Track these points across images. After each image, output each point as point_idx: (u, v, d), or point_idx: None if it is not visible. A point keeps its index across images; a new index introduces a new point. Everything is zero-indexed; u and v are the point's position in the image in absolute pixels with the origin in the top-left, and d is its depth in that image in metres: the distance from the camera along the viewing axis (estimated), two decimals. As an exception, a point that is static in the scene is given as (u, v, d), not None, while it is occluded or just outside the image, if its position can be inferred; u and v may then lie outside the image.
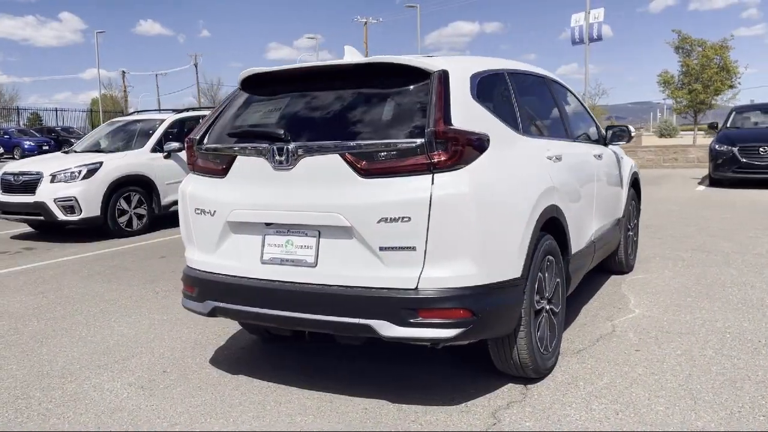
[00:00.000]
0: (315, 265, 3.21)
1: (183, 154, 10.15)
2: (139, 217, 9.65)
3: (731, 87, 27.74)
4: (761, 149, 12.78)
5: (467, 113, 3.19)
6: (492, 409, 3.31)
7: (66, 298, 5.94)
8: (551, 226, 3.70)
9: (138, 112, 11.93)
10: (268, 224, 3.35)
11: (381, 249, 3.04)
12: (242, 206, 3.40)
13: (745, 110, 15.46)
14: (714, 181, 13.82)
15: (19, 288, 6.42)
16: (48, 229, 10.00)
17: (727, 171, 13.14)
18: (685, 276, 5.99)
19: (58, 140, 37.49)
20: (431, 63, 3.26)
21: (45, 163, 9.59)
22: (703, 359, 3.90)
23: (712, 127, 15.70)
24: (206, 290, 3.57)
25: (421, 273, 3.00)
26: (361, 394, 3.54)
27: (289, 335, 3.76)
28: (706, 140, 22.40)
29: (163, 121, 10.43)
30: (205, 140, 3.71)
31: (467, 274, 3.02)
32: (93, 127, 52.30)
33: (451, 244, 2.99)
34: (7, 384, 3.90)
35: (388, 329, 3.03)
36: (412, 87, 3.24)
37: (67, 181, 9.01)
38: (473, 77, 3.46)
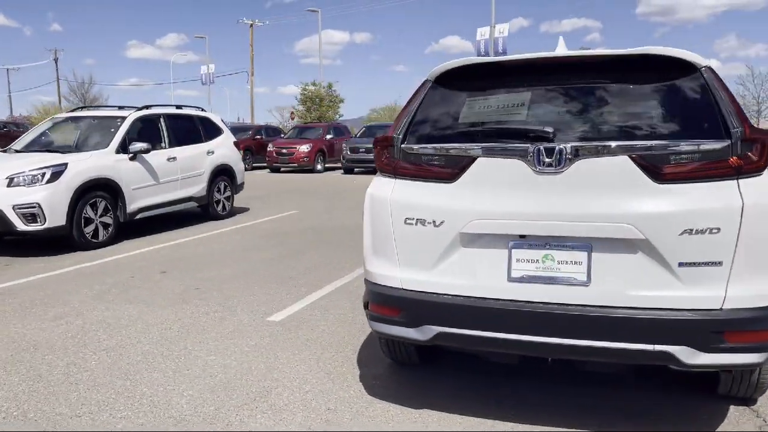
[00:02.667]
0: (587, 283, 2.81)
1: (149, 156, 9.22)
2: (105, 226, 8.52)
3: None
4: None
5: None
6: (753, 436, 3.07)
7: (99, 323, 5.02)
8: None
9: (82, 108, 10.58)
10: (522, 236, 2.90)
11: (680, 265, 2.71)
12: (486, 216, 2.92)
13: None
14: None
15: (17, 312, 5.37)
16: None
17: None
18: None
19: None
20: (696, 56, 2.97)
21: (-5, 164, 8.21)
22: None
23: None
24: (423, 314, 3.05)
25: (726, 291, 2.70)
26: (593, 427, 3.17)
27: (515, 362, 3.29)
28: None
29: (124, 118, 9.28)
30: (406, 141, 3.20)
31: None
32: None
33: (761, 257, 2.71)
34: (147, 436, 3.15)
35: (690, 356, 2.70)
36: (678, 81, 2.93)
37: (28, 185, 7.74)
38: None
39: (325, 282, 6.30)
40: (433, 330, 3.02)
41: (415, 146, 3.16)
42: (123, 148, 8.94)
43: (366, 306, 3.34)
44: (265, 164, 23.93)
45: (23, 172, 7.80)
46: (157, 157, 9.46)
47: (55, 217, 7.83)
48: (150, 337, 4.66)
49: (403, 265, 3.13)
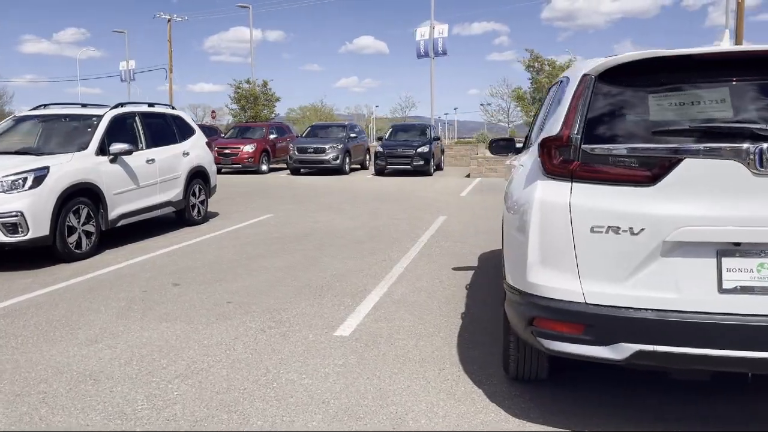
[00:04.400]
0: None
1: (129, 159, 8.55)
2: (88, 235, 7.77)
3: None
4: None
5: None
6: None
7: (147, 346, 4.48)
8: None
9: (45, 105, 9.59)
10: (736, 244, 2.70)
11: None
12: (698, 222, 2.71)
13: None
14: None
15: (40, 337, 4.72)
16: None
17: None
18: None
19: None
20: None
21: (-36, 168, 7.29)
22: None
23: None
24: (618, 330, 2.80)
25: None
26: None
27: (706, 379, 3.06)
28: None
29: (100, 117, 8.50)
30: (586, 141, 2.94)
31: None
32: None
33: None
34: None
35: None
36: None
37: (6, 192, 6.91)
38: None
39: (364, 291, 5.94)
40: (630, 348, 2.78)
41: (602, 146, 2.90)
42: (101, 150, 8.20)
43: (530, 322, 3.05)
44: (205, 165, 22.95)
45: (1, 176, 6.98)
46: (136, 159, 8.75)
47: (39, 226, 7.05)
48: (218, 360, 4.19)
49: (586, 277, 2.87)
